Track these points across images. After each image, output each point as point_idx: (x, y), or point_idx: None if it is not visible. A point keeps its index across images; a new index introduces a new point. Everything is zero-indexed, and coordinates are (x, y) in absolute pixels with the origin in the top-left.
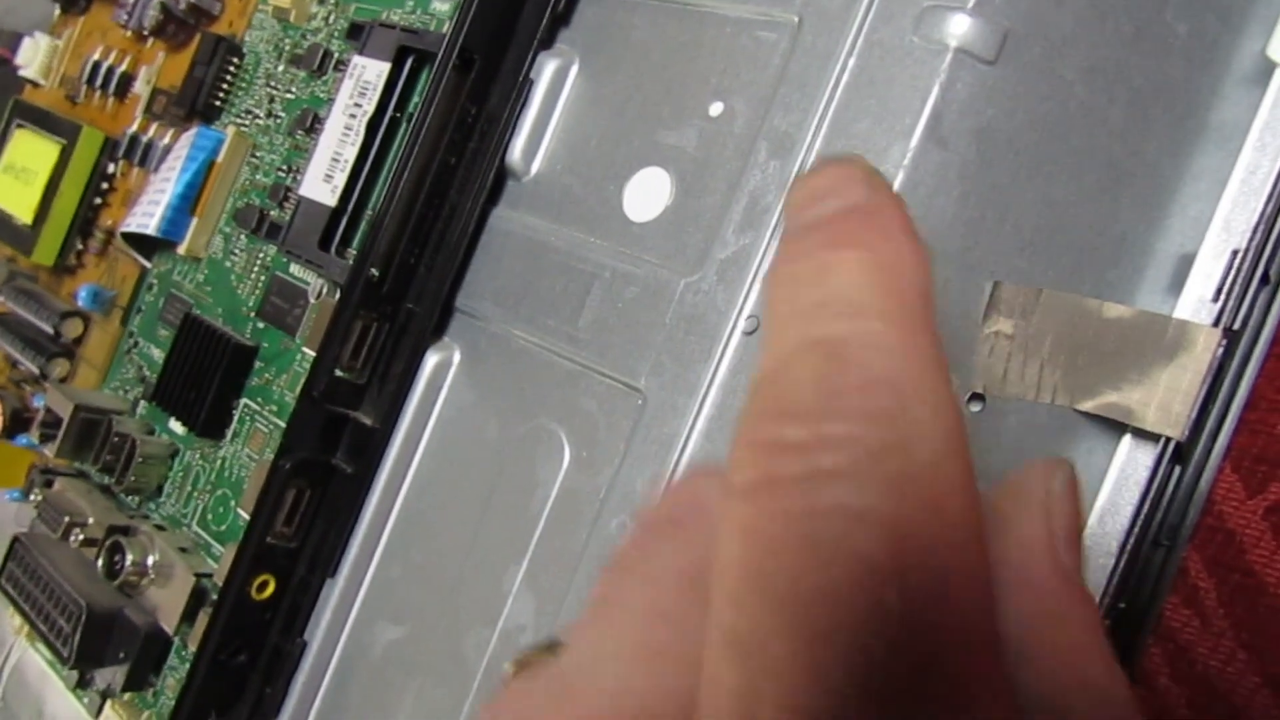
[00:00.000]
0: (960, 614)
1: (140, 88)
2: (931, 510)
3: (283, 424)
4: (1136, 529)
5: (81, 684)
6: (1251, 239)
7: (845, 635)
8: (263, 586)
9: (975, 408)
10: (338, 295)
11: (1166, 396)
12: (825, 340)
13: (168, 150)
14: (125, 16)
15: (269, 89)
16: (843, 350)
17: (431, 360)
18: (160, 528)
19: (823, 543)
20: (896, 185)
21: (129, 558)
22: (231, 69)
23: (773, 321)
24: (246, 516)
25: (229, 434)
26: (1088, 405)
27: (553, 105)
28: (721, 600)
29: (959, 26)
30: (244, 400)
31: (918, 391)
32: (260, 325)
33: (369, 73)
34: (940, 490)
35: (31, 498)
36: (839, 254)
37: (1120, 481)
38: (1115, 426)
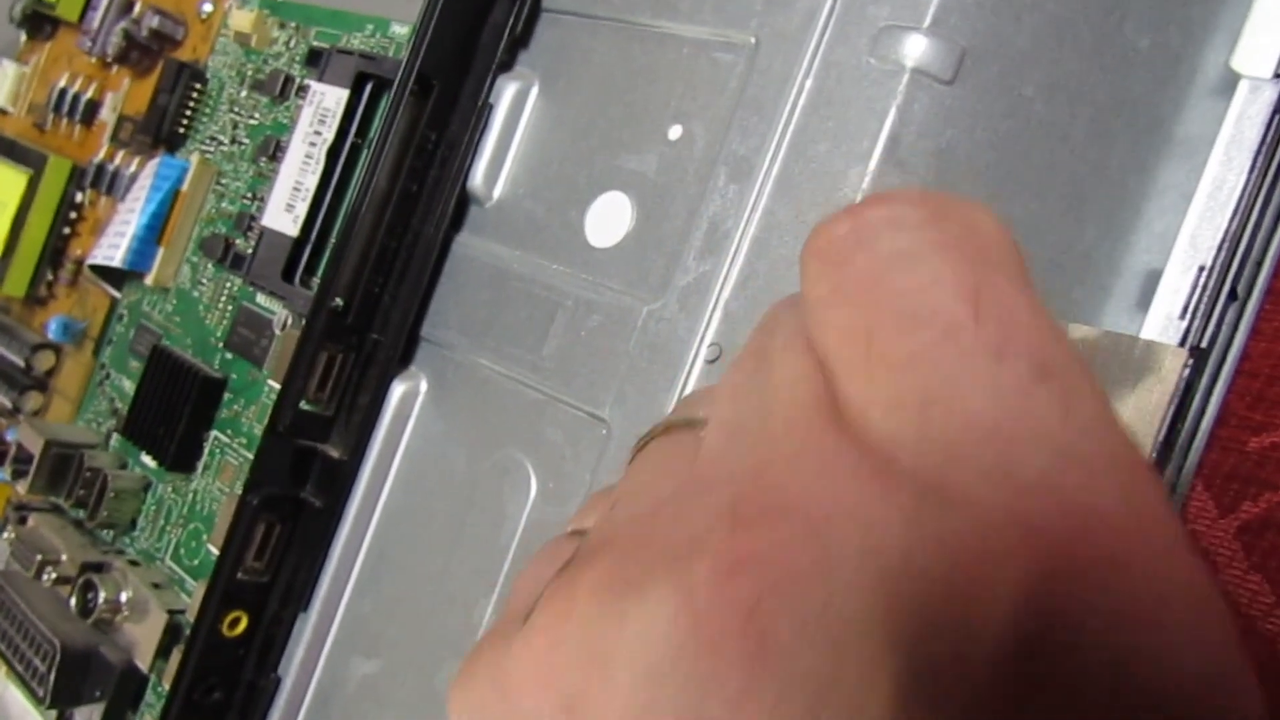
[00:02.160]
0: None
1: (107, 115)
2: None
3: (252, 457)
4: None
5: None
6: (1217, 255)
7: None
8: (235, 623)
9: None
10: (302, 326)
11: (1134, 417)
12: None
13: (134, 178)
14: (89, 43)
15: (233, 115)
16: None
17: (398, 390)
18: (134, 563)
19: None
20: None
21: (102, 595)
22: (195, 95)
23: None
24: (216, 552)
25: (200, 467)
26: None
27: (513, 129)
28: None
29: (915, 47)
30: (214, 433)
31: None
32: (229, 356)
33: (328, 100)
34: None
35: (5, 535)
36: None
37: None
38: None
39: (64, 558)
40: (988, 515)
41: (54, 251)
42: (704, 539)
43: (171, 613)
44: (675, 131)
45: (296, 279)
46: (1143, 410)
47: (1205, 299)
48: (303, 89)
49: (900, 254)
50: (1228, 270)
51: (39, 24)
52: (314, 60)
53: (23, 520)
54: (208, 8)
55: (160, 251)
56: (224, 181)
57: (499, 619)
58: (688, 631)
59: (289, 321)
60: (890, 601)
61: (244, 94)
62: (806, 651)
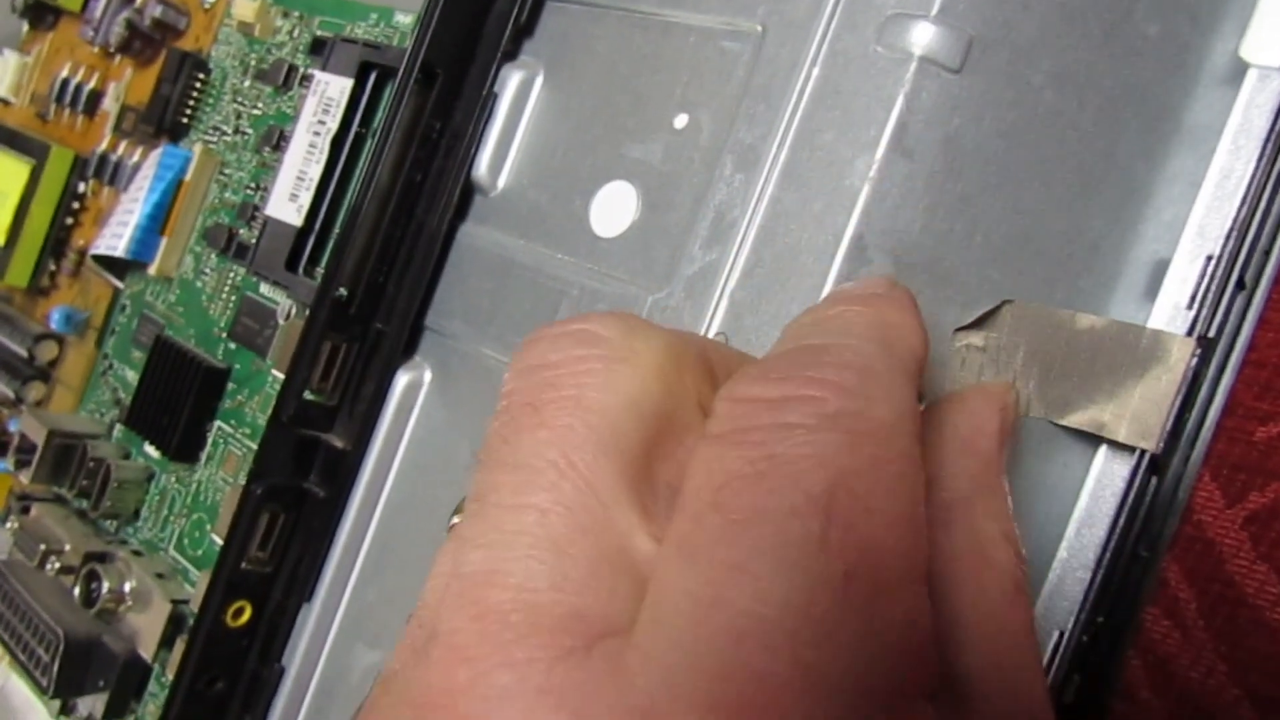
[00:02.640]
0: (886, 549)
1: (109, 105)
2: (870, 464)
3: (256, 447)
4: (1114, 539)
5: (65, 711)
6: (1225, 244)
7: (778, 552)
8: (238, 613)
9: None
10: (306, 316)
11: (1141, 408)
12: (814, 346)
13: (137, 168)
14: (91, 33)
15: (236, 105)
16: (825, 350)
17: (402, 380)
18: (137, 553)
19: (770, 474)
20: (862, 197)
21: (105, 585)
22: (198, 85)
23: (778, 342)
24: (220, 542)
25: (203, 457)
26: (1061, 419)
27: (518, 118)
28: (680, 517)
29: (923, 35)
30: (217, 423)
31: (879, 378)
32: (232, 346)
33: (332, 89)
34: (883, 452)
35: (8, 524)
36: (850, 308)
37: (1097, 492)
38: (1092, 436)
39: (67, 548)
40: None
41: (57, 242)
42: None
43: (175, 603)
44: (681, 120)
45: (300, 269)
46: (1150, 400)
47: (1213, 288)
48: (306, 78)
49: (801, 433)
50: (1235, 259)
51: (41, 14)
52: (318, 50)
53: (26, 510)
54: None
55: (163, 241)
56: (227, 171)
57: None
58: None
59: (293, 311)
60: None
61: (247, 84)
62: None
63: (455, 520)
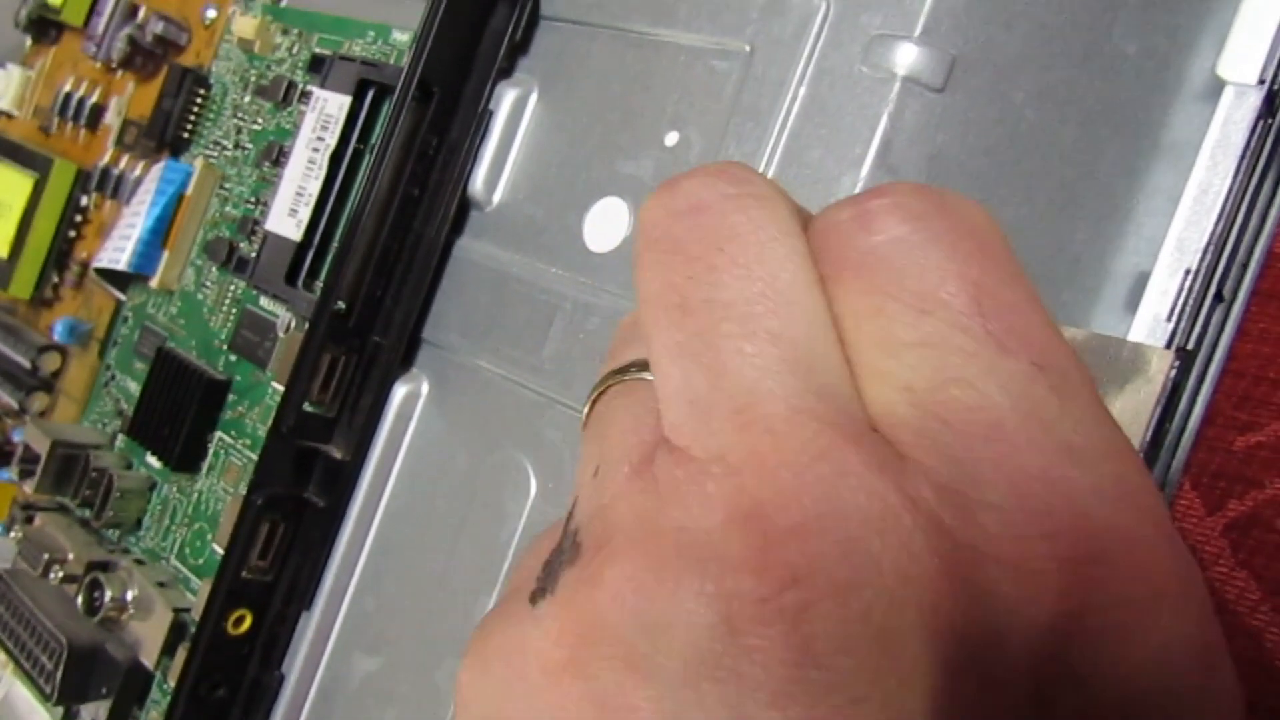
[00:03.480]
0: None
1: (111, 119)
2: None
3: (256, 457)
4: None
5: (68, 717)
6: (1203, 258)
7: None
8: (239, 621)
9: None
10: (305, 329)
11: (1121, 418)
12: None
13: (139, 182)
14: (94, 48)
15: (236, 120)
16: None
17: (400, 392)
18: (140, 562)
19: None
20: None
21: (108, 594)
22: (199, 100)
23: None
24: (221, 551)
25: (204, 468)
26: None
27: (513, 134)
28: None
29: (906, 56)
30: (218, 434)
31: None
32: (232, 358)
33: (330, 106)
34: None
35: (12, 533)
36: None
37: None
38: None
39: (70, 556)
40: (1005, 520)
41: (59, 254)
42: (728, 547)
43: (177, 611)
44: (672, 137)
45: (300, 282)
46: (1131, 410)
47: (1192, 301)
48: (305, 95)
49: (902, 241)
50: (1214, 272)
51: (44, 28)
52: (316, 67)
53: (30, 519)
54: (211, 13)
55: (165, 255)
56: (228, 186)
57: (504, 597)
58: (729, 639)
59: (292, 324)
60: (932, 606)
61: (247, 99)
62: (846, 660)
63: (592, 397)
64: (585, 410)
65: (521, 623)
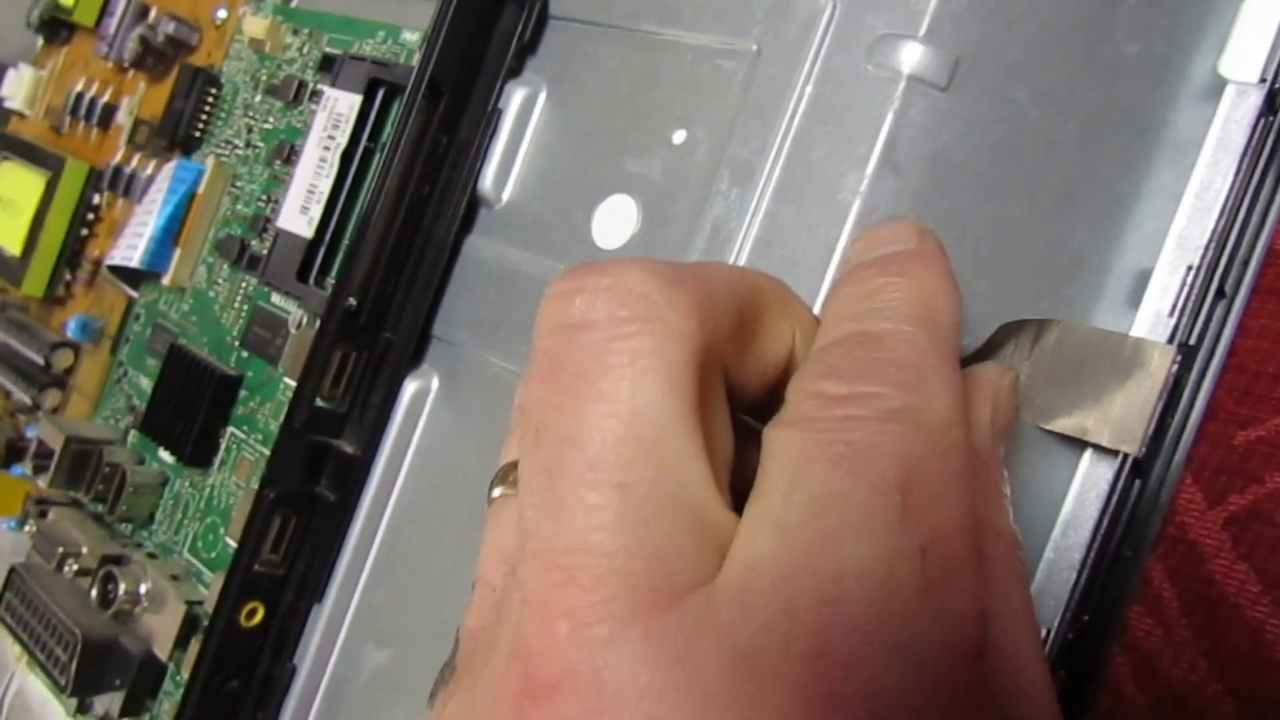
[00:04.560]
0: (954, 528)
1: (123, 118)
2: (937, 452)
3: (268, 452)
4: (1099, 540)
5: (81, 709)
6: (1205, 255)
7: (863, 527)
8: (251, 614)
9: None
10: (317, 325)
11: (1123, 413)
12: (869, 337)
13: (150, 181)
14: (105, 49)
15: (247, 119)
16: (881, 344)
17: (410, 388)
18: (152, 556)
19: (848, 458)
20: (853, 211)
21: (122, 587)
22: (210, 100)
23: (828, 321)
24: (234, 545)
25: (216, 463)
26: (1047, 424)
27: (522, 133)
28: (767, 494)
29: (911, 55)
30: (230, 429)
31: (935, 373)
32: (244, 355)
33: (341, 105)
34: (945, 440)
35: (26, 528)
36: (891, 279)
37: (1082, 495)
38: (1077, 441)
39: (84, 551)
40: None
41: (72, 252)
42: (504, 685)
43: (189, 604)
44: (679, 136)
45: (311, 279)
46: (1133, 405)
47: (1194, 297)
48: (316, 94)
49: (876, 431)
50: (1215, 269)
51: (56, 29)
52: (327, 66)
53: (44, 514)
54: (222, 14)
55: (177, 252)
56: (239, 184)
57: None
58: None
59: (303, 321)
60: None
61: (258, 99)
62: None
63: (498, 492)
64: (487, 495)
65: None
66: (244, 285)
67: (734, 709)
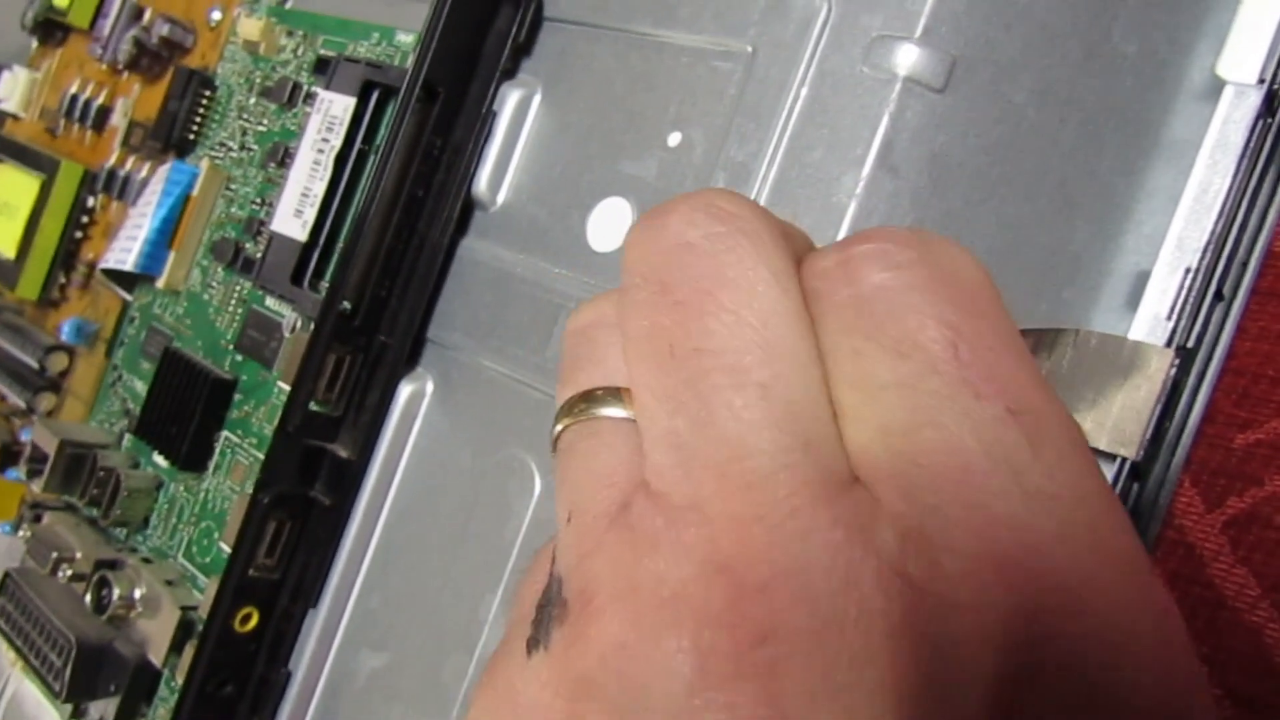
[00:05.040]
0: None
1: (118, 120)
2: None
3: (262, 456)
4: None
5: (76, 715)
6: (1203, 257)
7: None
8: (246, 619)
9: None
10: (311, 329)
11: (1121, 416)
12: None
13: (145, 183)
14: (100, 50)
15: (241, 121)
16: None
17: (405, 391)
18: (147, 560)
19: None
20: (849, 214)
21: (116, 592)
22: (204, 102)
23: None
24: (229, 550)
25: (211, 467)
26: None
27: (516, 135)
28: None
29: (907, 56)
30: (224, 433)
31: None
32: (239, 358)
33: (335, 107)
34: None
35: (21, 532)
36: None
37: None
38: None
39: (78, 555)
40: (966, 566)
41: (66, 255)
42: (703, 601)
43: (184, 609)
44: (675, 138)
45: (305, 282)
46: (1130, 408)
47: (1192, 299)
48: (310, 96)
49: (884, 288)
50: (1214, 271)
51: (50, 30)
52: (321, 68)
53: (38, 519)
54: (217, 15)
55: (171, 255)
56: (233, 187)
57: (507, 633)
58: (706, 694)
59: (298, 324)
60: (890, 661)
61: (253, 101)
62: (815, 714)
63: (562, 426)
64: (553, 433)
65: (522, 671)
66: (238, 288)
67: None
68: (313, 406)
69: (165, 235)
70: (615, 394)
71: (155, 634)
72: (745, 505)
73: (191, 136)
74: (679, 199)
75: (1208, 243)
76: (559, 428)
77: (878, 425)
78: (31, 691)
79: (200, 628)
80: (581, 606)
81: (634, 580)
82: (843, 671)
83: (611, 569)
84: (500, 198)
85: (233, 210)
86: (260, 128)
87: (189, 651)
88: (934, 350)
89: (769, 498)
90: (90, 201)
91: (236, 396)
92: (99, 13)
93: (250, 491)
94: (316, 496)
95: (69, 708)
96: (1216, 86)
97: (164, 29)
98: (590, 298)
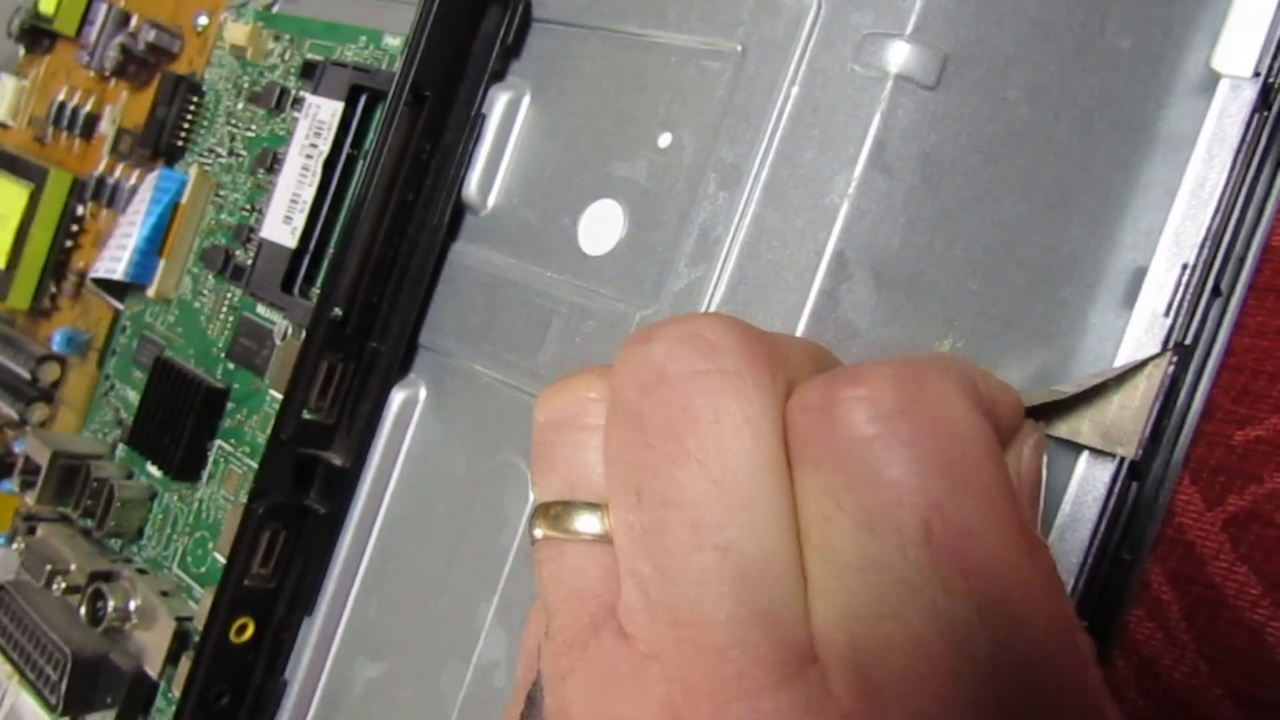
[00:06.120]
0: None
1: (106, 128)
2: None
3: (256, 465)
4: (1097, 543)
5: None
6: (1200, 253)
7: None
8: (242, 629)
9: None
10: (303, 336)
11: (1118, 416)
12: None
13: (134, 191)
14: (87, 57)
15: (230, 127)
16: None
17: (398, 398)
18: (142, 571)
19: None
20: (842, 214)
21: (111, 604)
22: (192, 108)
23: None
24: (223, 560)
25: (205, 476)
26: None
27: (506, 138)
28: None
29: (898, 54)
30: (218, 442)
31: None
32: (231, 366)
33: (323, 112)
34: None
35: (15, 545)
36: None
37: (1079, 497)
38: (1074, 443)
39: (73, 567)
40: None
41: (57, 264)
42: None
43: (180, 620)
44: (665, 139)
45: (296, 290)
46: (1127, 408)
47: (1190, 296)
48: (298, 101)
49: (865, 443)
50: (1211, 267)
51: (37, 38)
52: (309, 73)
53: (32, 531)
54: (203, 20)
55: (161, 263)
56: (222, 193)
57: (516, 686)
58: None
59: (289, 332)
60: None
61: (240, 106)
62: None
63: (541, 533)
64: (530, 533)
65: None
66: (229, 296)
67: None
68: (306, 415)
69: (155, 243)
70: (593, 509)
71: (151, 646)
72: (700, 674)
73: (180, 143)
74: (667, 324)
75: (1205, 238)
76: (538, 534)
77: (842, 608)
78: (29, 704)
79: (196, 639)
80: (537, 709)
81: (602, 715)
82: None
83: (584, 699)
84: (491, 201)
85: (222, 217)
86: (249, 133)
87: (185, 663)
88: (906, 529)
89: (720, 673)
90: (80, 210)
91: (229, 405)
92: (85, 19)
93: (244, 501)
94: (311, 505)
95: None
96: (1212, 80)
97: (150, 35)
98: (556, 381)
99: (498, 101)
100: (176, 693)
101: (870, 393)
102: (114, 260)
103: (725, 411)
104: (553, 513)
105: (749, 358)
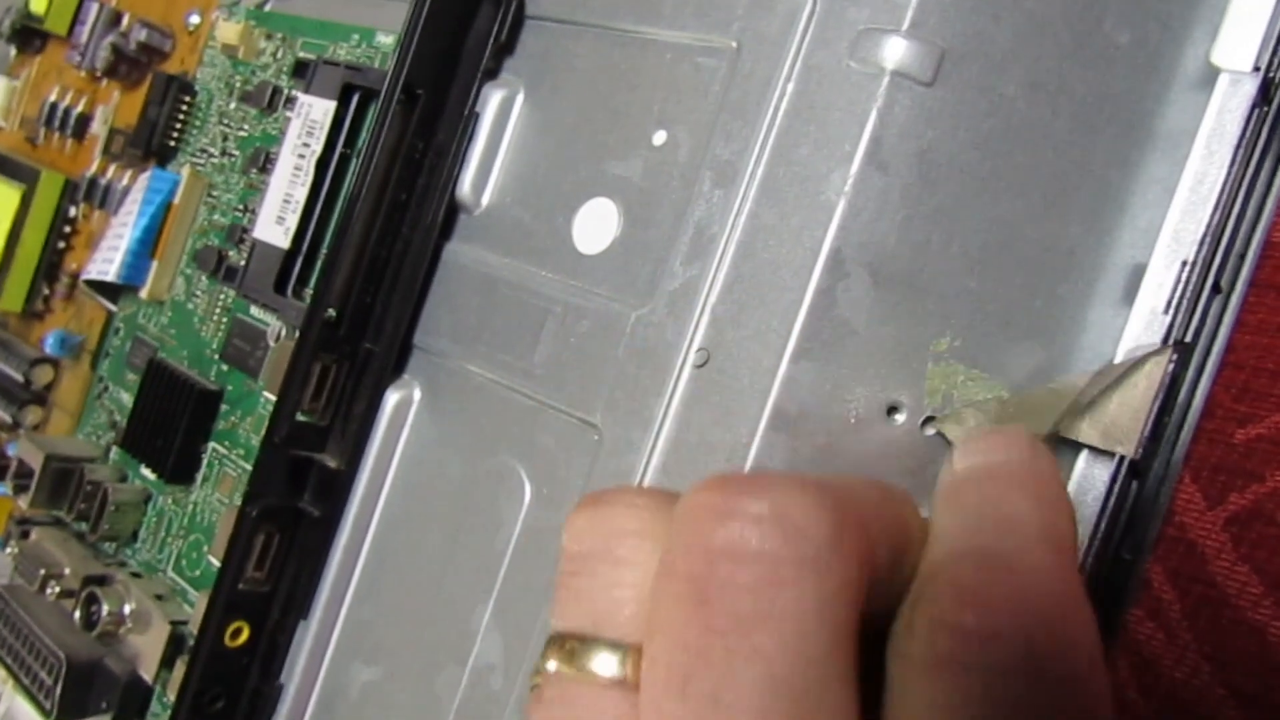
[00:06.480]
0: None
1: (98, 128)
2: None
3: (250, 467)
4: (1097, 543)
5: None
6: (1200, 249)
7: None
8: (237, 633)
9: (929, 431)
10: (296, 337)
11: (1117, 415)
12: (995, 551)
13: (127, 192)
14: (78, 57)
15: (222, 127)
16: (1011, 570)
17: (392, 399)
18: (136, 575)
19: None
20: (838, 211)
21: (105, 608)
22: (184, 107)
23: (944, 529)
24: (217, 563)
25: (198, 479)
26: (1038, 428)
27: (500, 137)
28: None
29: (894, 50)
30: (211, 444)
31: (1076, 605)
32: (224, 368)
33: (315, 111)
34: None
35: (8, 549)
36: (1013, 492)
37: (1079, 496)
38: (1073, 442)
39: (67, 571)
40: None
41: (49, 266)
42: None
43: (174, 624)
44: (660, 137)
45: (289, 290)
46: (1127, 407)
47: (1189, 293)
48: (290, 100)
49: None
50: (1211, 263)
51: (28, 38)
52: (301, 72)
53: (25, 535)
54: (195, 19)
55: (154, 265)
56: (215, 194)
57: None
58: None
59: (283, 333)
60: None
61: (233, 106)
62: None
63: (554, 666)
64: (539, 664)
65: None
66: (222, 297)
67: None
68: (299, 416)
69: (147, 244)
70: (614, 649)
71: (146, 650)
72: None
73: (172, 143)
74: (757, 485)
75: (1204, 234)
76: (550, 666)
77: None
78: (25, 709)
79: (191, 642)
80: None
81: None
82: None
83: None
84: (484, 200)
85: (215, 218)
86: (241, 133)
87: (180, 667)
88: None
89: None
90: (72, 211)
91: (223, 407)
92: (76, 19)
93: (239, 504)
94: (305, 508)
95: None
96: (1211, 75)
97: (142, 34)
98: (588, 500)
99: (491, 100)
100: (171, 697)
101: (1027, 626)
102: (106, 262)
103: (804, 610)
104: (568, 646)
105: (836, 551)
